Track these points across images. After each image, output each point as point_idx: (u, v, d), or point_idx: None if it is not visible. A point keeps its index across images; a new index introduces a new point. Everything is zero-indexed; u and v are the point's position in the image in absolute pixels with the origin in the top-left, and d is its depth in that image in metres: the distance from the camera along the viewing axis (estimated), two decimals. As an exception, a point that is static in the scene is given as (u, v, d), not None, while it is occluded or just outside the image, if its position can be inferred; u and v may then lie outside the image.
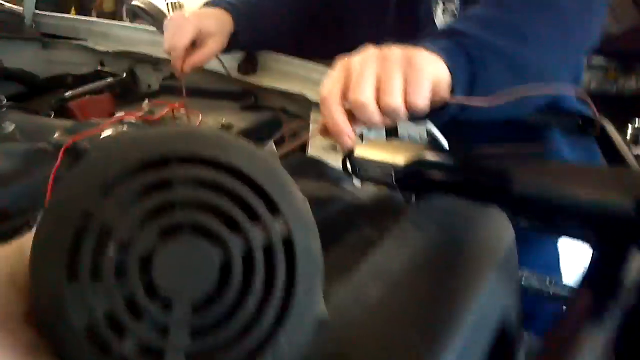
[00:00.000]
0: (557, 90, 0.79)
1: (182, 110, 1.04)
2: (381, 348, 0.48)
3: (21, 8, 1.51)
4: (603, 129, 0.97)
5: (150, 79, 1.34)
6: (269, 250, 0.32)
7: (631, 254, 0.47)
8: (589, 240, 0.52)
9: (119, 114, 1.10)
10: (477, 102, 0.68)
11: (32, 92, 1.39)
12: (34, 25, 1.49)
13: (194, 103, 1.11)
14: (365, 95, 0.62)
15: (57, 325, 0.30)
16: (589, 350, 0.50)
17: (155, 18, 4.37)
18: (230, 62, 1.20)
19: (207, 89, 1.20)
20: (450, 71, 0.68)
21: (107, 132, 0.70)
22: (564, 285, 1.11)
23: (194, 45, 1.03)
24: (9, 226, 0.60)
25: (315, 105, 1.10)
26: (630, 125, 2.02)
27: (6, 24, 1.49)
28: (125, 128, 0.72)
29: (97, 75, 1.33)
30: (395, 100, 0.62)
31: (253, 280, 0.31)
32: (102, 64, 1.39)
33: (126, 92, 1.29)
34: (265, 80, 1.18)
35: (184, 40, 1.00)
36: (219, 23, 1.06)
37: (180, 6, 5.02)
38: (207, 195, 0.32)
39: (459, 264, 0.60)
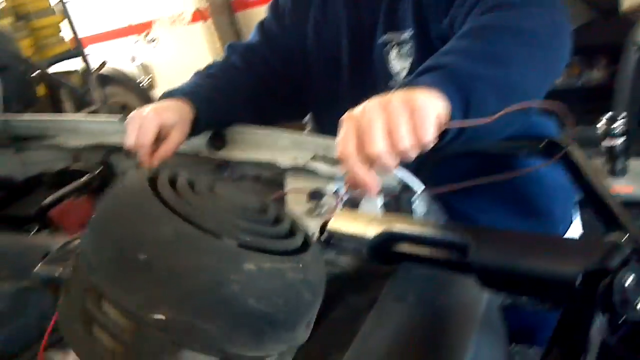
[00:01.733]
0: (541, 105, 0.84)
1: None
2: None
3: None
4: (566, 153, 1.00)
5: (126, 167, 1.37)
6: None
7: (593, 316, 0.50)
8: (555, 303, 0.54)
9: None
10: (473, 123, 0.73)
11: (11, 196, 1.42)
12: (4, 131, 1.51)
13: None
14: (379, 147, 0.67)
15: None
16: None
17: (125, 83, 4.36)
18: (200, 140, 1.23)
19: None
20: (446, 103, 0.72)
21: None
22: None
23: (157, 138, 1.06)
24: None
25: (288, 171, 1.13)
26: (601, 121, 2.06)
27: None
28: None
29: (73, 172, 1.35)
30: (407, 144, 0.67)
31: None
32: (76, 159, 1.41)
33: (104, 184, 1.31)
34: (235, 152, 1.21)
35: (148, 137, 1.03)
36: (179, 114, 1.09)
37: (149, 68, 5.01)
38: None
39: (442, 333, 0.62)
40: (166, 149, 1.06)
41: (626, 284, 0.50)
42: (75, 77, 4.28)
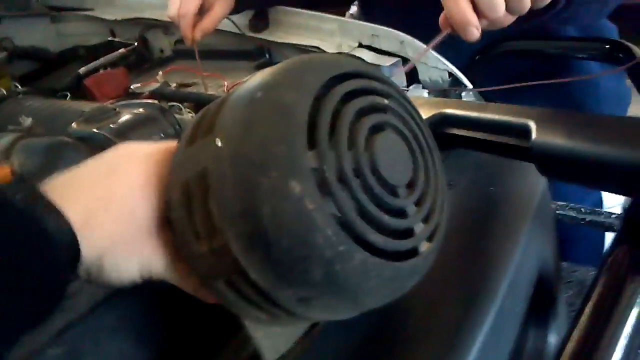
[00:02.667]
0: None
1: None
2: (424, 306, 0.48)
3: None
4: (632, 55, 0.94)
5: (163, 44, 1.32)
6: None
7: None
8: (623, 193, 0.50)
9: (135, 85, 1.10)
10: None
11: (46, 68, 1.39)
12: (40, 0, 1.47)
13: (208, 66, 1.09)
14: None
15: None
16: (632, 298, 0.50)
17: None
18: (241, 20, 1.17)
19: (220, 50, 1.17)
20: None
21: (124, 118, 0.69)
22: (601, 212, 1.09)
23: (201, 10, 1.00)
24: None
25: (331, 57, 1.08)
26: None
27: (13, 2, 1.47)
28: (142, 110, 0.71)
29: (109, 46, 1.32)
30: None
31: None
32: (112, 33, 1.37)
33: (140, 60, 1.27)
34: (278, 35, 1.16)
35: (191, 7, 0.97)
36: None
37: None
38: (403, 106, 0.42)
39: (493, 220, 0.59)
40: (209, 21, 1.01)
41: None
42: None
